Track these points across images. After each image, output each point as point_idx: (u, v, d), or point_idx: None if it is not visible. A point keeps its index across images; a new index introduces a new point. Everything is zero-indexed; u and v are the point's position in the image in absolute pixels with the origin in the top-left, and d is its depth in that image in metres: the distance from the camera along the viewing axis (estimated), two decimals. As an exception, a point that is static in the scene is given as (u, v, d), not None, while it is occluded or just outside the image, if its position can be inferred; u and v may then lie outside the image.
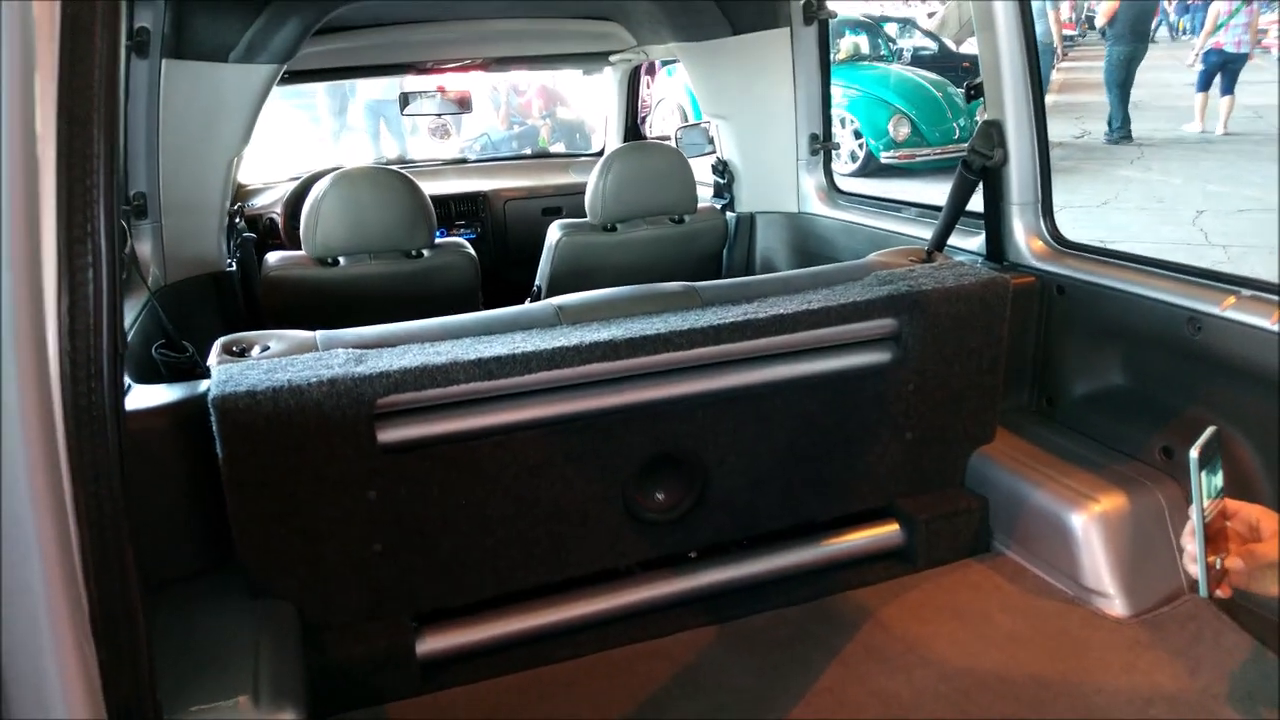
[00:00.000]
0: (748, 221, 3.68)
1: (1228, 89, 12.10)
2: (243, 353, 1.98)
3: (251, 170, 4.13)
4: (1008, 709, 1.90)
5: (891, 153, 10.79)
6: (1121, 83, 11.91)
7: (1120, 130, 12.06)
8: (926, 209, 3.08)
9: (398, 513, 1.95)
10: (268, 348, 1.99)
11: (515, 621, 2.10)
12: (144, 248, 2.67)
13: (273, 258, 2.86)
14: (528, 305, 2.26)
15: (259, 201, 3.92)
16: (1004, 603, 2.23)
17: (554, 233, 3.14)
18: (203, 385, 1.88)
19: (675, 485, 2.23)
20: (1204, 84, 12.25)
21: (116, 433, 0.84)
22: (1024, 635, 2.11)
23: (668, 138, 4.20)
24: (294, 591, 1.93)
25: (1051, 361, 2.56)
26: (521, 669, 2.05)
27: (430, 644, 2.03)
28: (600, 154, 3.74)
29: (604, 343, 2.02)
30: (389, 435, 1.91)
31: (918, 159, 10.77)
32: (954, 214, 2.62)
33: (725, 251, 3.63)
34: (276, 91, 3.00)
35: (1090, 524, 2.19)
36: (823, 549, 2.35)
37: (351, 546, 1.95)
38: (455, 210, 4.09)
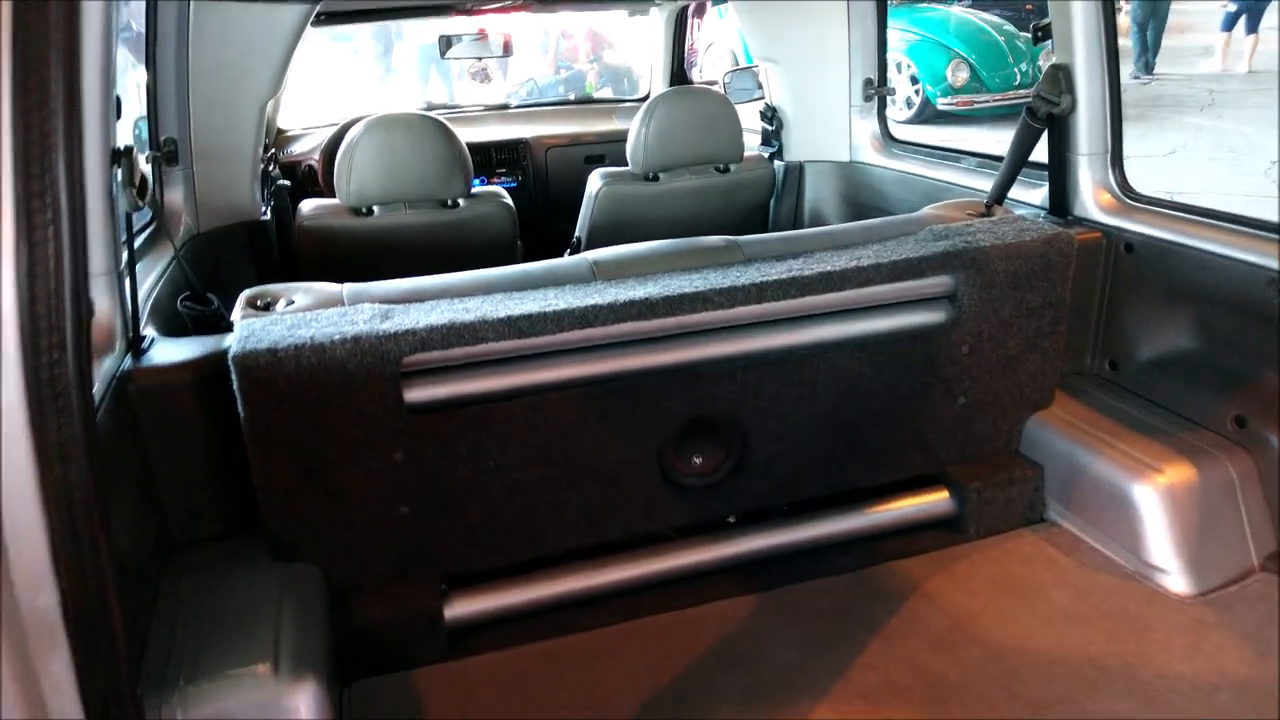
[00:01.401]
0: (796, 171, 3.53)
1: (1252, 28, 12.04)
2: (267, 307, 1.91)
3: (292, 115, 4.06)
4: (1060, 692, 1.80)
5: (949, 99, 10.45)
6: (1144, 21, 12.01)
7: (1144, 68, 12.19)
8: (986, 159, 2.92)
9: (425, 474, 1.89)
10: (292, 301, 1.93)
11: (546, 587, 2.04)
12: (175, 195, 2.61)
13: (306, 206, 2.80)
14: (561, 260, 2.16)
15: (298, 148, 3.85)
16: (1058, 577, 2.12)
17: (594, 182, 3.03)
18: (226, 341, 1.82)
19: (713, 449, 2.15)
20: (1229, 24, 12.21)
21: (84, 408, 0.76)
22: (1079, 613, 2.01)
23: (717, 83, 4.04)
24: (319, 554, 1.88)
25: (1116, 323, 2.41)
26: (552, 636, 1.99)
27: (458, 608, 1.98)
28: (645, 100, 3.60)
29: (640, 300, 1.93)
30: (416, 395, 1.85)
31: (976, 106, 10.42)
32: (1016, 165, 2.47)
33: (772, 202, 3.50)
34: (317, 33, 2.90)
35: (1154, 495, 2.07)
36: (867, 517, 2.25)
37: (378, 508, 1.89)
38: (496, 158, 3.99)
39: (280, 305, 1.92)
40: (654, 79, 4.62)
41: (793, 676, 1.86)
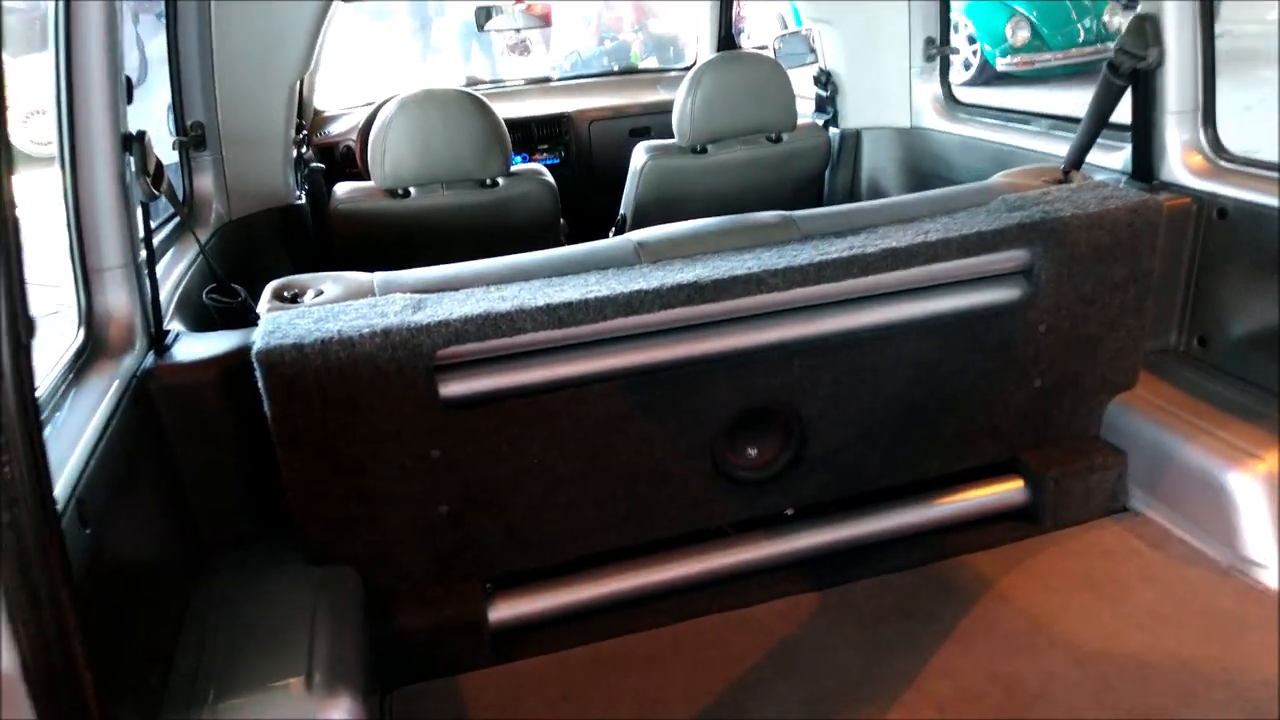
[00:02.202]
0: (853, 138, 3.36)
1: None
2: (294, 298, 1.82)
3: (329, 96, 3.97)
4: (1153, 700, 1.66)
5: (1009, 59, 10.05)
6: None
7: None
8: (1059, 120, 2.72)
9: (464, 472, 1.79)
10: (321, 292, 1.83)
11: (593, 588, 1.94)
12: (204, 181, 2.53)
13: (341, 189, 2.70)
14: (604, 242, 2.04)
15: (335, 129, 3.76)
16: (1145, 572, 1.96)
17: (639, 156, 2.89)
18: (253, 335, 1.73)
19: (769, 440, 2.02)
20: None
21: (29, 443, 0.65)
22: (1169, 611, 1.85)
23: (767, 48, 3.86)
24: (355, 557, 1.79)
25: (1206, 296, 2.22)
26: (600, 639, 1.89)
27: (502, 611, 1.88)
28: (691, 68, 3.44)
29: (688, 284, 1.79)
30: (451, 389, 1.74)
31: (1037, 65, 10.01)
32: (1096, 126, 2.28)
33: (828, 173, 3.33)
34: (352, 11, 2.79)
35: (1251, 483, 1.90)
36: (935, 508, 2.10)
37: (415, 508, 1.79)
38: (537, 134, 3.86)
39: (308, 296, 1.82)
40: (700, 46, 4.45)
41: (858, 683, 1.74)
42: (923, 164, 3.19)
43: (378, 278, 1.88)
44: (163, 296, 1.80)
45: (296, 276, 1.89)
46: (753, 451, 2.01)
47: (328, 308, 1.74)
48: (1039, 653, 1.78)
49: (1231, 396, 2.10)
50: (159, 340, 1.74)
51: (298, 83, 2.67)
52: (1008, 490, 2.14)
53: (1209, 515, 1.97)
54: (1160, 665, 1.72)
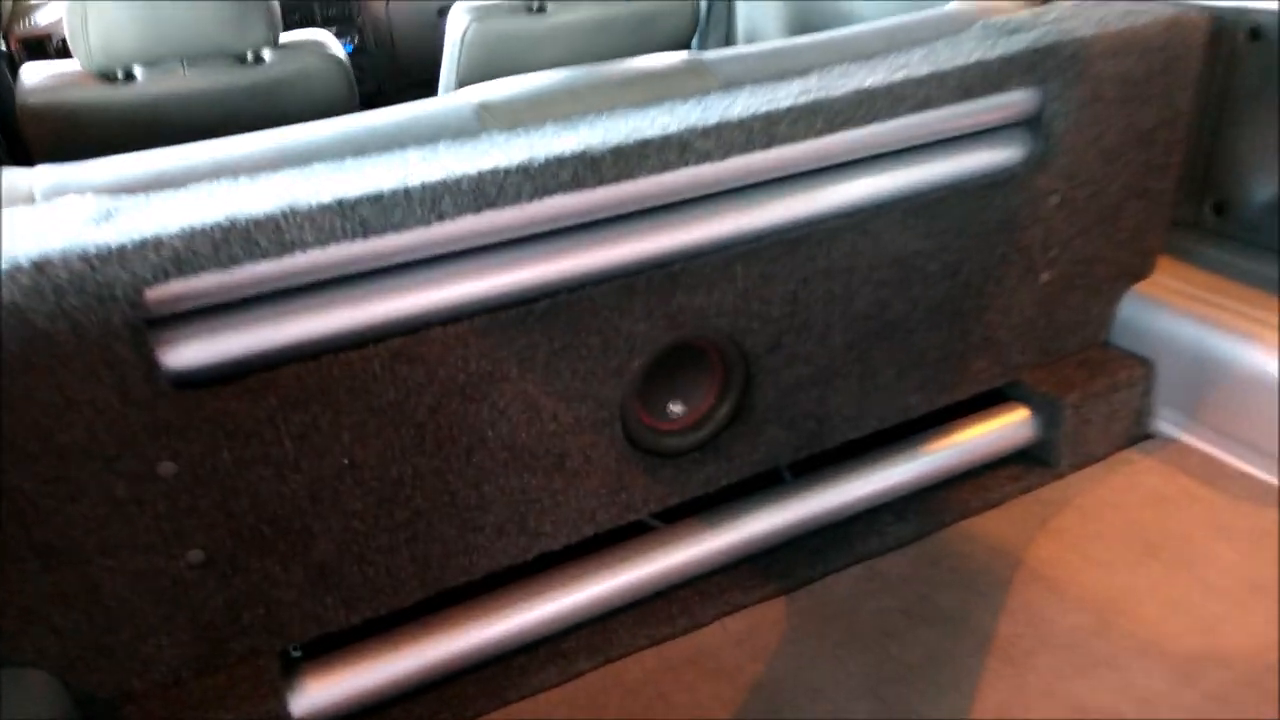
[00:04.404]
0: None
1: None
2: None
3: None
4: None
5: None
6: None
7: None
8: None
9: (223, 493, 1.07)
10: None
11: (460, 639, 1.27)
12: None
13: (31, 75, 1.85)
14: (424, 103, 1.32)
15: (44, 18, 2.81)
16: (1212, 521, 1.46)
17: (459, 19, 2.14)
18: None
19: (700, 389, 1.38)
20: None
21: None
22: (1266, 577, 1.35)
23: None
24: (48, 652, 1.06)
25: (1228, 148, 1.71)
26: (482, 712, 1.23)
27: (315, 695, 1.19)
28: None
29: (573, 157, 1.12)
30: (182, 355, 1.01)
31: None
32: None
33: (695, 40, 2.67)
34: None
35: None
36: (925, 460, 1.54)
37: (143, 561, 1.07)
38: (320, 13, 3.02)
39: None
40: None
41: None
42: (815, 21, 2.58)
43: (39, 175, 1.12)
44: None
45: None
46: (677, 408, 1.37)
47: None
48: (1116, 661, 1.24)
49: (1270, 275, 1.61)
50: None
51: None
52: (1010, 424, 1.60)
53: (1267, 435, 1.49)
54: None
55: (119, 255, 0.94)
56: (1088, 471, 1.59)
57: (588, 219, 1.17)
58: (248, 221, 0.98)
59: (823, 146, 1.26)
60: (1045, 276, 1.54)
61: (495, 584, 1.31)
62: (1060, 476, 1.58)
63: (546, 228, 1.15)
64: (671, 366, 1.34)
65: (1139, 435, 1.65)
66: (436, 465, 1.17)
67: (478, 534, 1.24)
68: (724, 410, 1.38)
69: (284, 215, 0.99)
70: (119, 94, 1.85)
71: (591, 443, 1.27)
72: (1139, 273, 1.65)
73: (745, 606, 1.38)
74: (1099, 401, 1.58)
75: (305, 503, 1.11)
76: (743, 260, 1.27)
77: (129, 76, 1.86)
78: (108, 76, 1.85)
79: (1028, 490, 1.56)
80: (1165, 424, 1.65)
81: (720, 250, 1.25)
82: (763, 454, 1.43)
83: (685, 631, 1.34)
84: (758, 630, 1.34)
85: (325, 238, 1.02)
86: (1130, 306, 1.66)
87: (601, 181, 1.14)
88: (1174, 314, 1.61)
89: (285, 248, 1.00)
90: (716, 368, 1.37)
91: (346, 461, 1.12)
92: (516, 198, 1.10)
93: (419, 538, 1.20)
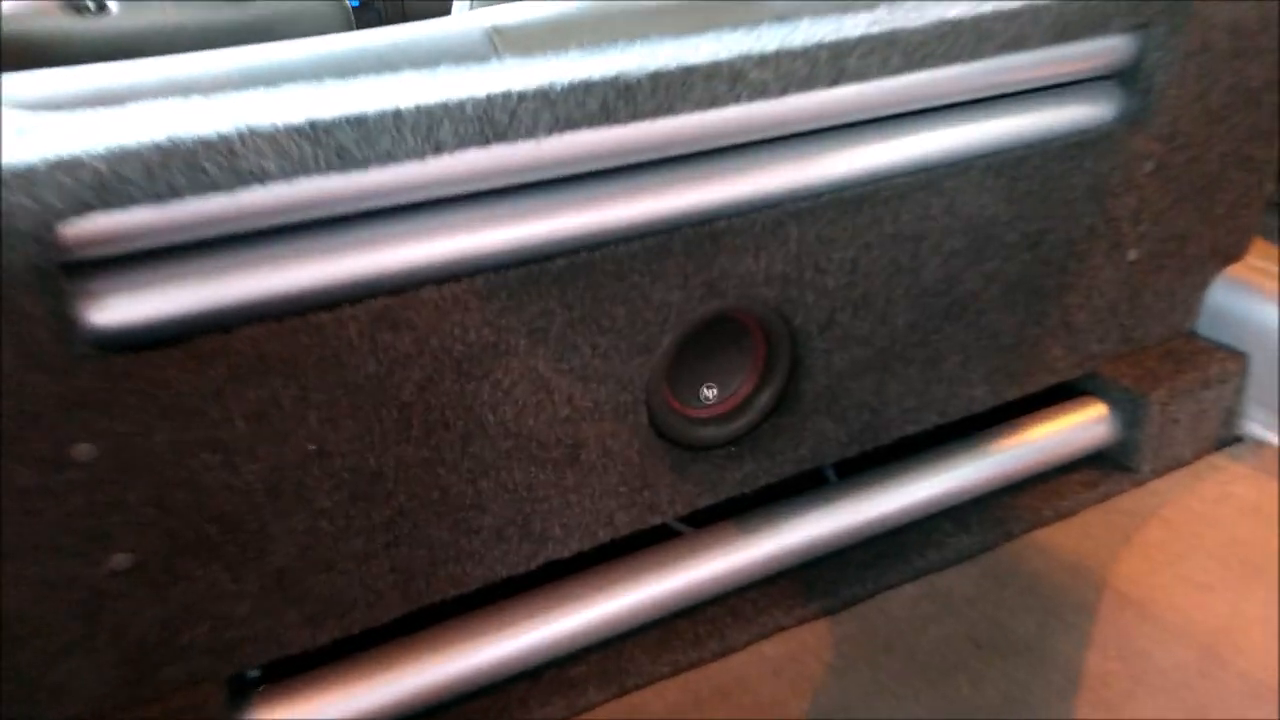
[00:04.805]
0: None
1: None
2: None
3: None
4: None
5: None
6: None
7: None
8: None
9: (155, 483, 0.86)
10: None
11: (447, 661, 1.07)
12: None
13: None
14: (428, 23, 1.11)
15: None
16: None
17: None
18: None
19: (738, 372, 1.18)
20: None
21: None
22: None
23: None
24: None
25: None
26: None
27: None
28: None
29: (602, 82, 0.91)
30: (106, 310, 0.81)
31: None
32: None
33: None
34: None
35: None
36: (993, 460, 1.34)
37: (58, 565, 0.86)
38: None
39: None
40: None
41: None
42: None
43: None
44: None
45: None
46: (710, 392, 1.17)
47: None
48: (1229, 705, 1.05)
49: None
50: None
51: None
52: (1086, 422, 1.40)
53: None
54: None
55: (25, 178, 0.74)
56: (1172, 478, 1.40)
57: (617, 162, 0.96)
58: (194, 142, 0.78)
59: (897, 87, 1.06)
60: (1133, 254, 1.33)
61: (492, 598, 1.11)
62: (1141, 483, 1.39)
63: (567, 170, 0.95)
64: (707, 344, 1.13)
65: (1227, 438, 1.46)
66: (424, 455, 0.97)
67: (472, 538, 1.04)
68: (765, 397, 1.18)
69: (240, 136, 0.79)
70: (90, 27, 1.66)
71: (611, 431, 1.07)
72: (1233, 253, 1.45)
73: (785, 629, 1.18)
74: (1187, 399, 1.39)
75: (261, 497, 0.90)
76: (797, 220, 1.06)
77: (101, 6, 1.66)
78: (78, 7, 1.65)
79: (1105, 498, 1.36)
80: (1256, 426, 1.45)
81: (771, 207, 1.05)
82: (808, 450, 1.22)
83: (715, 658, 1.15)
84: (799, 658, 1.15)
85: (292, 168, 0.81)
86: (1223, 291, 1.46)
87: (636, 115, 0.93)
88: (1268, 301, 1.42)
89: (240, 178, 0.79)
90: (759, 346, 1.16)
91: (313, 448, 0.91)
92: (532, 130, 0.89)
93: (401, 542, 0.99)
